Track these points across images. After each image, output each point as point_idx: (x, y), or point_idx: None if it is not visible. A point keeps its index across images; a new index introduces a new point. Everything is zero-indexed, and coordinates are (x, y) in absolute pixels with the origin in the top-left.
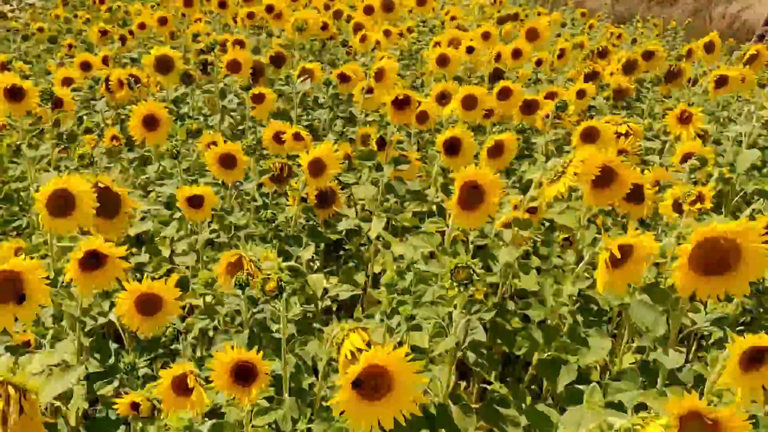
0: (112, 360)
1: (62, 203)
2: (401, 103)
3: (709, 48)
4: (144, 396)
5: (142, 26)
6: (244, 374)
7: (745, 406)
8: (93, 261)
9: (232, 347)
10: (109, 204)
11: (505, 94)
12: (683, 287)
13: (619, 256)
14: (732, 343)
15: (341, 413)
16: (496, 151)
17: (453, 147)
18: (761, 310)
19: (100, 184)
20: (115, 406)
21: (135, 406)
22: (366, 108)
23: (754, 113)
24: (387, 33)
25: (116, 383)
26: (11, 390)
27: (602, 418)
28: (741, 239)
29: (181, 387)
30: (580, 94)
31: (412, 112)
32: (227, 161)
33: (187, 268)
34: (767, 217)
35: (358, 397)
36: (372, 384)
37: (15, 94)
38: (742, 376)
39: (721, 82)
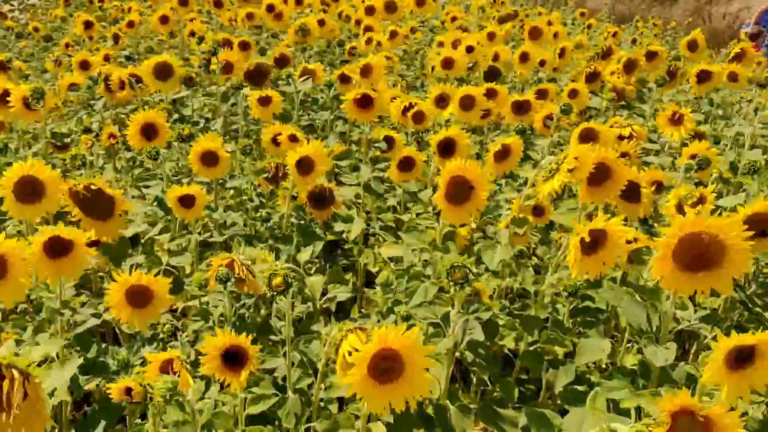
0: (93, 353)
1: (29, 190)
2: (362, 102)
3: (692, 46)
4: (137, 381)
5: (130, 24)
6: (233, 358)
7: (732, 405)
8: (58, 247)
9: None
10: (102, 206)
11: (491, 95)
12: (664, 282)
13: (588, 239)
14: (717, 342)
15: (340, 404)
16: (503, 154)
17: (447, 148)
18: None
19: (92, 186)
20: (109, 392)
21: (128, 390)
22: (364, 120)
23: (756, 113)
24: (393, 34)
25: (101, 378)
26: (15, 373)
27: (604, 423)
28: (724, 235)
29: (167, 372)
30: (573, 93)
31: (375, 110)
32: (209, 159)
33: (176, 268)
34: (747, 209)
35: (370, 379)
36: (384, 366)
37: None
38: (728, 374)
39: (704, 77)
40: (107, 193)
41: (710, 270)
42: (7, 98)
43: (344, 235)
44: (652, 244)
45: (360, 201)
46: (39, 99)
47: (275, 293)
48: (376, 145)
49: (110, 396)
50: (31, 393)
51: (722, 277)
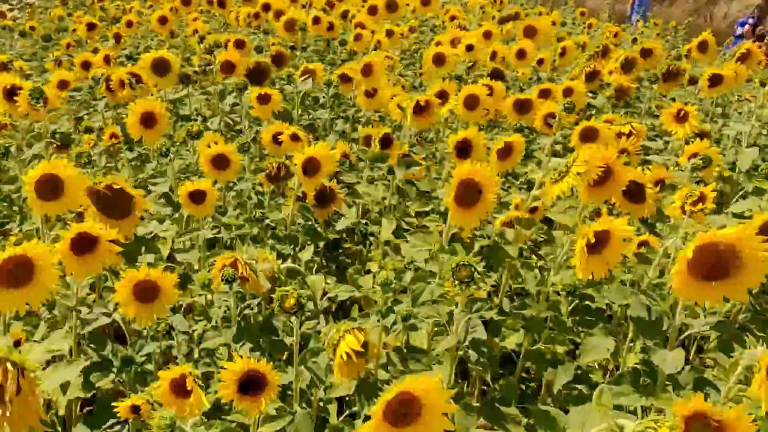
0: (108, 350)
1: (51, 187)
2: (422, 109)
3: (702, 47)
4: (144, 399)
5: (129, 24)
6: (253, 385)
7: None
8: (84, 244)
9: (241, 356)
10: (121, 205)
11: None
12: (682, 293)
13: (594, 241)
14: (761, 357)
15: (338, 408)
16: (506, 152)
17: (464, 148)
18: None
19: (114, 185)
20: (116, 410)
21: (135, 409)
22: (368, 108)
23: (754, 112)
24: (389, 33)
25: (112, 375)
26: (9, 366)
27: (611, 420)
28: (740, 245)
29: (179, 389)
30: (567, 92)
31: (431, 116)
32: (220, 162)
33: (182, 265)
34: (763, 216)
35: (387, 425)
36: (401, 411)
37: (13, 94)
38: None
39: (716, 80)
40: (128, 192)
41: (726, 279)
42: (15, 96)
43: (345, 234)
44: (657, 244)
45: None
46: (38, 98)
47: (288, 314)
48: (413, 150)
49: (117, 412)
50: (25, 387)
51: (737, 287)
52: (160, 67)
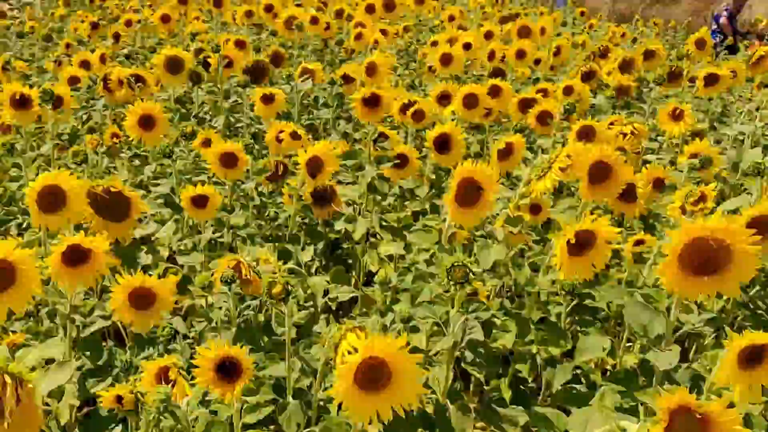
0: (104, 358)
1: (52, 199)
2: (369, 102)
3: (699, 45)
4: (128, 389)
5: (128, 23)
6: (228, 370)
7: (743, 405)
8: (77, 256)
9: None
10: (118, 207)
11: (495, 92)
12: (672, 286)
13: (573, 241)
14: (729, 341)
15: (339, 405)
16: (506, 152)
17: (443, 144)
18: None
19: (111, 188)
20: (100, 400)
21: (119, 399)
22: None
23: (758, 112)
24: (384, 32)
25: (109, 381)
26: (7, 379)
27: (613, 422)
28: (730, 239)
29: (164, 379)
30: (567, 90)
31: (382, 110)
32: (228, 160)
33: (182, 266)
34: (749, 211)
35: (357, 389)
36: (371, 375)
37: (23, 102)
38: (740, 373)
39: (711, 80)
40: (125, 195)
41: (717, 274)
42: (26, 103)
43: (344, 233)
44: (655, 244)
45: (362, 200)
46: (47, 100)
47: (275, 301)
48: (382, 144)
49: (115, 415)
50: (24, 398)
51: (729, 281)
52: (174, 66)
